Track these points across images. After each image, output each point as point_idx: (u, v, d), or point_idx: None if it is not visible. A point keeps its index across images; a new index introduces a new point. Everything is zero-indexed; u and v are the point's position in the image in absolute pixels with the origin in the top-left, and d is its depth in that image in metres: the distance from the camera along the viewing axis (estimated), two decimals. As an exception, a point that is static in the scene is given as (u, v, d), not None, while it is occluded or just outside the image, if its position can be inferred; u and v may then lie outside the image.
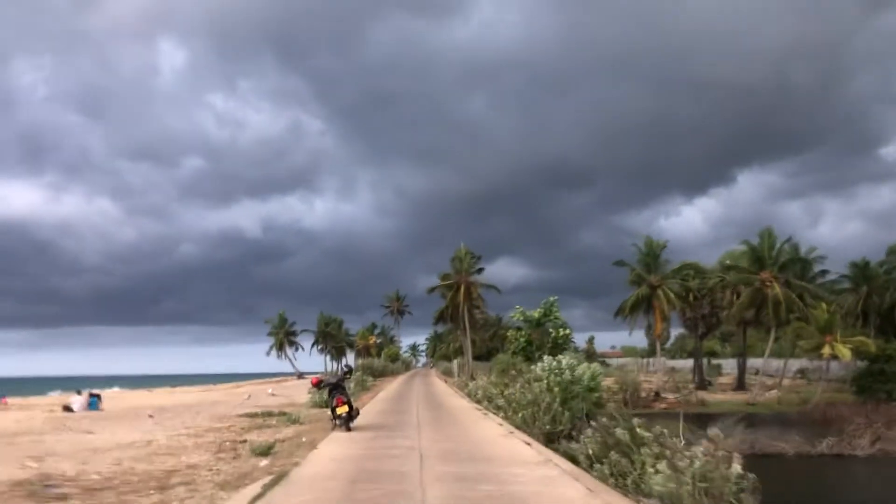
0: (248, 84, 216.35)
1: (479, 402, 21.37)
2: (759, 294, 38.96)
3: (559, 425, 17.36)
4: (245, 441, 12.34)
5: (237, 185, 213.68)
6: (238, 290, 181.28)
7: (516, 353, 23.66)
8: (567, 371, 20.66)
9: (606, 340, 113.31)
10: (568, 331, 23.11)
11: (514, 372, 20.54)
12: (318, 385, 13.81)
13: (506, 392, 17.95)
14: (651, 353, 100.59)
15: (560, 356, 21.58)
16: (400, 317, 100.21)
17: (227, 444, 12.17)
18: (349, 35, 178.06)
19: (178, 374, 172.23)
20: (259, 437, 13.18)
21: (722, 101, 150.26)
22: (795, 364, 62.07)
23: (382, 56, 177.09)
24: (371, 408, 19.52)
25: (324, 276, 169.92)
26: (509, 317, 23.95)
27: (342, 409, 12.22)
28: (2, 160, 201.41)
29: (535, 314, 23.01)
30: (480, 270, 56.12)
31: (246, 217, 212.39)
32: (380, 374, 65.32)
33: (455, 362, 65.09)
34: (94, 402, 23.01)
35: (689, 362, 66.77)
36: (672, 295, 41.20)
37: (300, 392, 37.48)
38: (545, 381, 17.86)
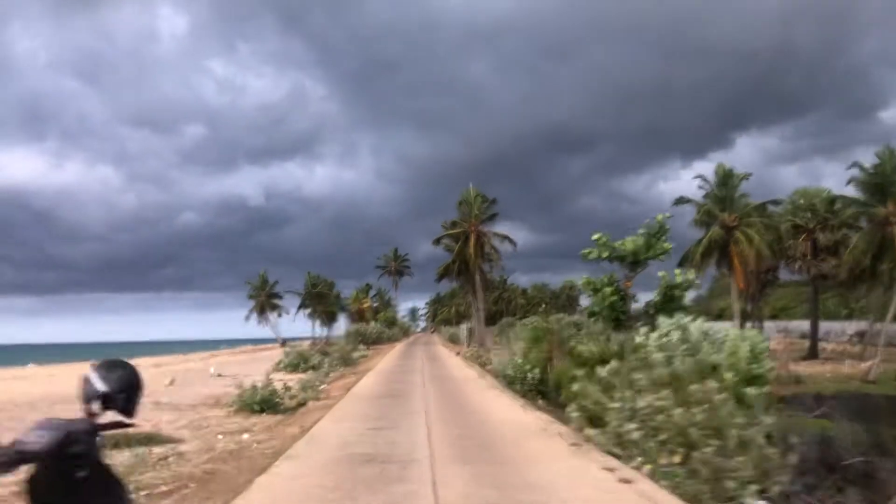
0: (249, 48, 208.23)
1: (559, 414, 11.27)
2: (881, 234, 28.74)
3: (771, 482, 7.32)
4: None
5: (238, 151, 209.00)
6: (239, 256, 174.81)
7: (596, 314, 13.55)
8: (705, 345, 10.57)
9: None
10: (690, 275, 12.79)
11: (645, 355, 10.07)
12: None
13: (646, 404, 7.79)
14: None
15: (680, 316, 11.37)
16: (398, 277, 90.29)
17: None
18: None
19: (178, 340, 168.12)
20: None
21: (723, 65, 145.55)
22: (850, 327, 53.71)
23: (382, 19, 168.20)
24: (328, 427, 9.45)
25: (324, 243, 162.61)
26: (580, 253, 13.69)
27: None
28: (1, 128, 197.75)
29: (629, 245, 12.64)
30: (494, 217, 45.75)
31: (247, 184, 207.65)
32: (374, 341, 55.91)
33: (463, 327, 55.34)
34: None
35: (722, 326, 57.37)
36: (757, 238, 31.03)
37: (259, 370, 27.61)
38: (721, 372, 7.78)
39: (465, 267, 45.13)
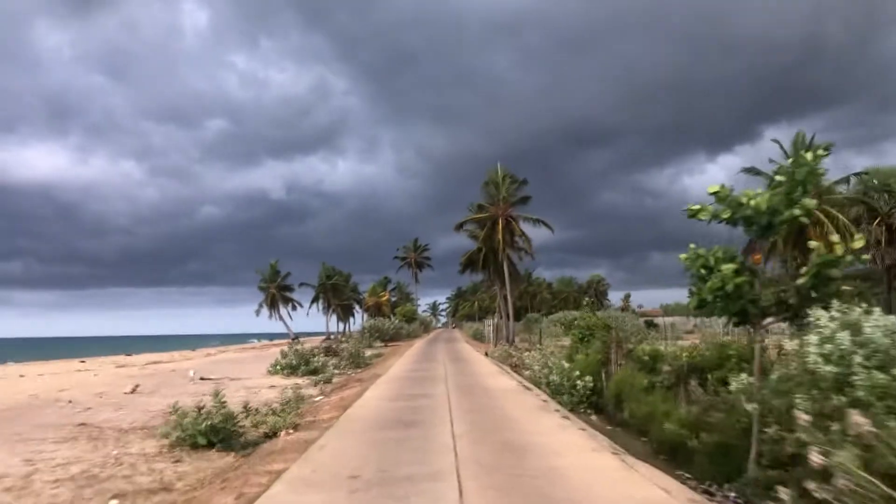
0: (271, 43, 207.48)
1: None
2: None
3: None
4: None
5: (260, 145, 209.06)
6: (260, 251, 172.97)
7: (708, 303, 9.03)
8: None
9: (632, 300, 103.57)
10: (858, 243, 8.39)
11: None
12: None
13: None
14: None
15: (846, 308, 6.62)
16: (418, 270, 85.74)
17: None
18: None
19: (201, 334, 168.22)
20: None
21: (751, 57, 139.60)
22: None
23: (404, 13, 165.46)
24: (282, 502, 5.01)
25: (345, 237, 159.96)
26: (683, 211, 9.33)
27: None
28: (26, 123, 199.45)
29: (758, 200, 8.12)
30: (525, 200, 40.96)
31: (268, 178, 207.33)
32: (391, 338, 51.74)
33: (488, 323, 50.78)
34: None
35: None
36: (841, 218, 26.10)
37: (260, 370, 23.49)
38: None
39: (493, 255, 40.53)
